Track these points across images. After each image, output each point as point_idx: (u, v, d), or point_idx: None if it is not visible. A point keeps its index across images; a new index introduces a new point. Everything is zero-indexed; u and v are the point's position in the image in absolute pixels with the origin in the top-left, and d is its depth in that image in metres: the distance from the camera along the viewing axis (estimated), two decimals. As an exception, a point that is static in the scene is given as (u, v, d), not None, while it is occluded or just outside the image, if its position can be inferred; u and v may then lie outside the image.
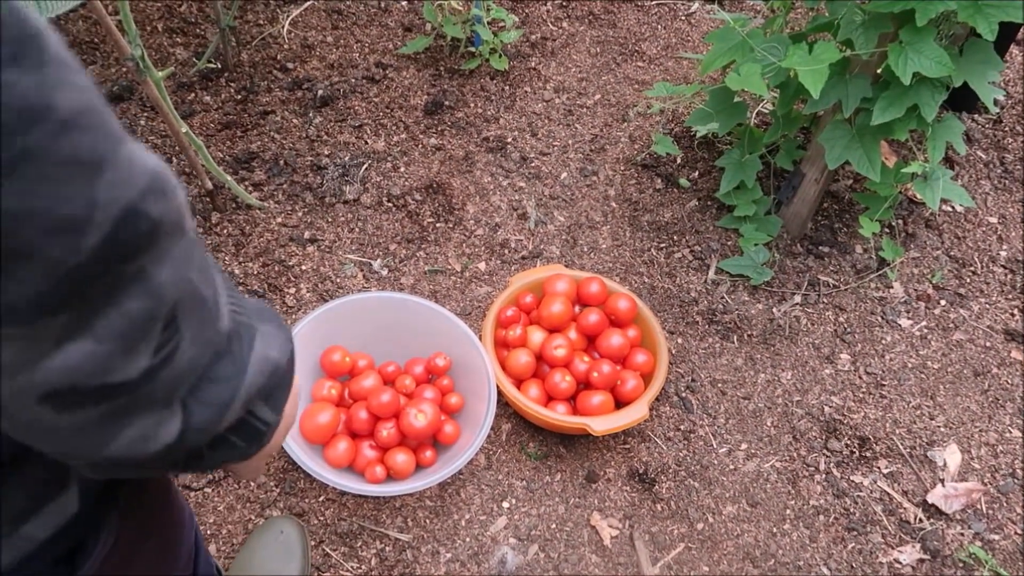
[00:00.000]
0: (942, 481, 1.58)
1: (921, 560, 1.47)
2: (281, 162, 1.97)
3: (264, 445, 0.57)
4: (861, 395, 1.70)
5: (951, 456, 1.62)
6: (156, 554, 0.73)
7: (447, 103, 2.17)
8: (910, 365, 1.76)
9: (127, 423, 0.43)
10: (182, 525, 0.78)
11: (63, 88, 0.35)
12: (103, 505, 0.59)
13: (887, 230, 1.99)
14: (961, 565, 1.47)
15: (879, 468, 1.59)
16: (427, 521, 1.46)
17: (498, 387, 1.48)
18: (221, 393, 0.48)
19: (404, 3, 2.48)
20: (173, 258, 0.41)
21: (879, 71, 1.62)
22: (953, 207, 2.08)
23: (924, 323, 1.84)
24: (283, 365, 0.55)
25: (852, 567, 1.46)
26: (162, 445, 0.46)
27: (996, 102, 2.33)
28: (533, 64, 2.35)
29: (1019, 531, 1.52)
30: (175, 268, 0.41)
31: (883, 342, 1.79)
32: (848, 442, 1.62)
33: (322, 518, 1.44)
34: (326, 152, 2.01)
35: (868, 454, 1.61)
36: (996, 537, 1.51)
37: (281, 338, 0.55)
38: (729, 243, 1.93)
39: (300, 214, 1.88)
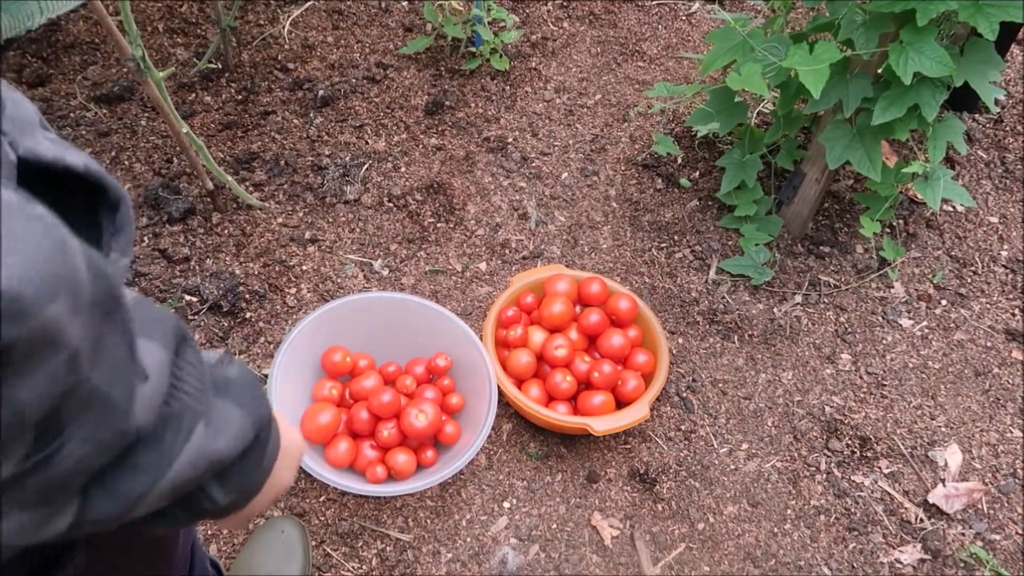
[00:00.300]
0: (943, 481, 1.58)
1: (922, 560, 1.47)
2: (282, 162, 1.97)
3: (221, 517, 0.55)
4: (862, 395, 1.70)
5: (952, 456, 1.62)
6: (144, 559, 0.72)
7: (448, 103, 2.17)
8: (911, 365, 1.76)
9: (2, 517, 0.40)
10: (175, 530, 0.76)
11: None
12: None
13: (888, 230, 1.99)
14: (962, 565, 1.47)
15: (880, 468, 1.59)
16: (428, 521, 1.46)
17: (499, 387, 1.48)
18: (133, 485, 0.44)
19: (405, 3, 2.48)
20: (38, 375, 0.37)
21: (880, 71, 1.62)
22: (954, 207, 2.08)
23: (925, 323, 1.84)
24: (231, 455, 0.50)
25: (853, 567, 1.46)
26: (56, 532, 0.43)
27: (997, 102, 2.33)
28: (534, 64, 2.35)
29: (1020, 531, 1.52)
30: (41, 384, 0.37)
31: (884, 342, 1.79)
32: (849, 442, 1.62)
33: (323, 518, 1.44)
34: (327, 152, 2.02)
35: (869, 454, 1.61)
36: (997, 537, 1.51)
37: (238, 424, 0.51)
38: (730, 243, 1.93)
39: (301, 214, 1.88)
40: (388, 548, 1.42)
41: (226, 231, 1.82)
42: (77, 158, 0.48)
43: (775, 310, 1.82)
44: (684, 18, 2.58)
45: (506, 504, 1.49)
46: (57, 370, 0.37)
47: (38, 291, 0.34)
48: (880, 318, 1.83)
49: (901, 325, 1.83)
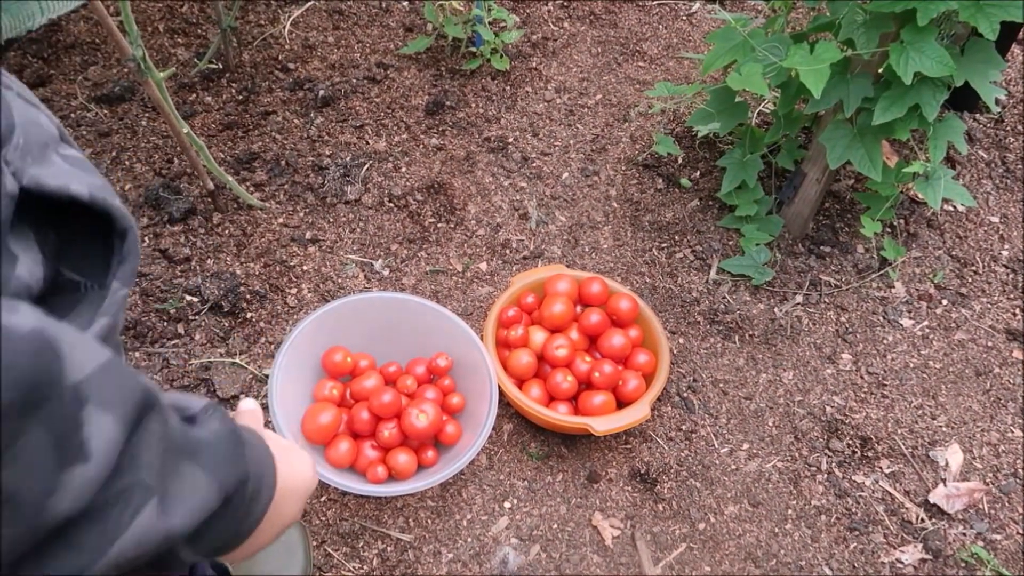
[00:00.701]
0: (944, 481, 1.58)
1: (923, 560, 1.47)
2: (282, 162, 1.97)
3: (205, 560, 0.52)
4: (863, 395, 1.70)
5: (953, 456, 1.62)
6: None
7: (448, 103, 2.17)
8: (912, 365, 1.76)
9: None
10: None
11: None
12: None
13: (888, 230, 1.99)
14: (963, 565, 1.46)
15: (881, 468, 1.59)
16: (429, 521, 1.46)
17: (500, 387, 1.48)
18: (70, 564, 0.43)
19: (405, 3, 2.48)
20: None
21: (880, 71, 1.62)
22: (955, 207, 2.08)
23: (926, 323, 1.84)
24: (188, 527, 0.48)
25: (854, 567, 1.46)
26: None
27: (997, 101, 2.33)
28: (534, 64, 2.35)
29: (1021, 531, 1.52)
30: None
31: (885, 342, 1.79)
32: (850, 442, 1.62)
33: (324, 518, 1.44)
34: (327, 152, 2.02)
35: (870, 454, 1.61)
36: (998, 537, 1.51)
37: (202, 494, 0.49)
38: (730, 243, 1.92)
39: (301, 214, 1.88)
40: (389, 548, 1.42)
41: (227, 231, 1.82)
42: (83, 186, 0.48)
43: (776, 310, 1.82)
44: (685, 18, 2.58)
45: (507, 504, 1.49)
46: None
47: None
48: (881, 318, 1.83)
49: (902, 325, 1.83)
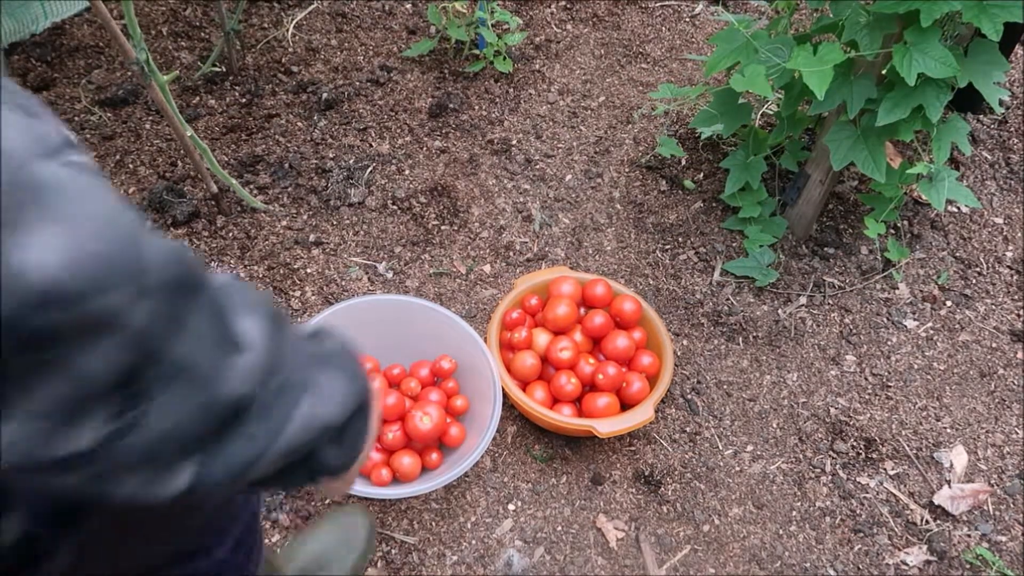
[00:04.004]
0: (948, 482, 1.58)
1: (928, 561, 1.47)
2: (286, 165, 1.97)
3: (335, 478, 0.60)
4: (867, 396, 1.70)
5: (957, 457, 1.61)
6: (158, 537, 0.72)
7: (451, 106, 2.17)
8: (916, 366, 1.76)
9: (117, 481, 0.44)
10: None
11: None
12: (59, 527, 0.58)
13: (892, 231, 1.99)
14: (968, 566, 1.46)
15: (885, 469, 1.59)
16: (433, 523, 1.46)
17: (503, 389, 1.48)
18: (244, 452, 0.49)
19: (408, 6, 2.49)
20: (97, 352, 0.40)
21: (884, 72, 1.61)
22: (959, 208, 2.07)
23: (930, 324, 1.83)
24: (338, 420, 0.55)
25: (859, 568, 1.46)
26: (175, 492, 0.47)
27: (1001, 102, 2.33)
28: (537, 66, 2.35)
29: (1026, 532, 1.52)
30: (101, 359, 0.40)
31: (889, 343, 1.79)
32: (854, 443, 1.62)
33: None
34: (331, 155, 2.02)
35: (874, 455, 1.61)
36: (1003, 538, 1.51)
37: (341, 391, 0.55)
38: (734, 245, 1.92)
39: (305, 217, 1.88)
40: (393, 550, 1.42)
41: (230, 234, 1.82)
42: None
43: (780, 311, 1.82)
44: (688, 20, 2.58)
45: (511, 506, 1.49)
46: (119, 347, 0.40)
47: (88, 282, 0.38)
48: (885, 319, 1.83)
49: (906, 326, 1.82)
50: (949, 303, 1.88)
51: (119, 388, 0.41)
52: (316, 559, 1.30)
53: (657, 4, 2.61)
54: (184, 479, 0.47)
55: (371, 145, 2.06)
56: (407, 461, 1.43)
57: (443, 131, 2.13)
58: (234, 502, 0.82)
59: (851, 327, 1.81)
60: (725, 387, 1.70)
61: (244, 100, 2.12)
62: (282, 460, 0.51)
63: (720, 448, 1.60)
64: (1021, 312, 1.87)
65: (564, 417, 1.50)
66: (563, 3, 2.57)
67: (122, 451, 0.43)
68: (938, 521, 1.52)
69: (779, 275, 1.87)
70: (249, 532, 0.87)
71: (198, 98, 2.11)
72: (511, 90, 2.26)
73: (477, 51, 2.29)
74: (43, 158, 0.39)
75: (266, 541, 1.38)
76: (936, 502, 1.54)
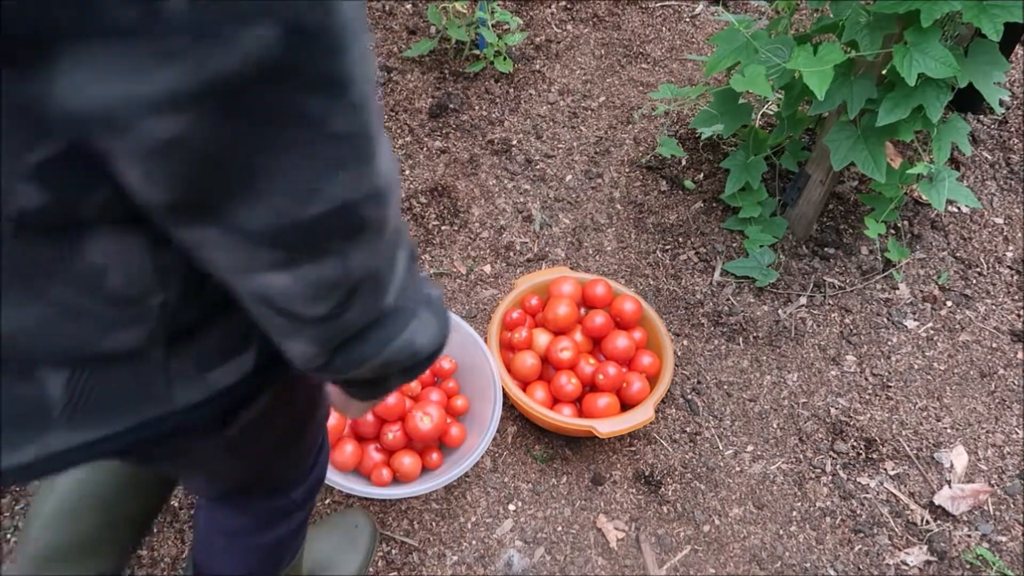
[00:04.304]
0: (949, 483, 1.58)
1: (928, 562, 1.47)
2: (286, 165, 1.97)
3: (377, 401, 0.72)
4: (867, 396, 1.70)
5: (958, 457, 1.61)
6: (286, 432, 0.83)
7: (452, 106, 2.18)
8: (916, 366, 1.76)
9: (293, 340, 0.55)
10: (315, 420, 0.88)
11: (366, 64, 0.43)
12: (266, 376, 0.67)
13: (893, 231, 1.99)
14: (968, 567, 1.46)
15: (886, 470, 1.59)
16: (433, 524, 1.46)
17: (504, 389, 1.48)
18: (363, 352, 0.58)
19: (408, 6, 2.49)
20: (369, 251, 0.51)
21: (884, 72, 1.61)
22: (959, 208, 2.08)
23: (930, 324, 1.84)
24: (424, 353, 0.63)
25: (859, 569, 1.46)
26: (313, 365, 0.58)
27: (1001, 103, 2.33)
28: (538, 67, 2.35)
29: (1027, 533, 1.52)
30: (368, 259, 0.51)
31: (889, 343, 1.79)
32: (854, 444, 1.62)
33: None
34: (331, 155, 2.02)
35: (875, 456, 1.61)
36: (1003, 539, 1.51)
37: (433, 331, 0.63)
38: (734, 245, 1.92)
39: (305, 217, 1.88)
40: (394, 551, 1.42)
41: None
42: None
43: (780, 312, 1.82)
44: (688, 20, 2.58)
45: (511, 507, 1.49)
46: (378, 249, 0.51)
47: (396, 184, 0.51)
48: (885, 319, 1.83)
49: (906, 326, 1.82)
50: (949, 303, 1.88)
51: (350, 288, 0.52)
52: (319, 561, 1.31)
53: (657, 4, 2.61)
54: (322, 359, 0.57)
55: (371, 145, 2.06)
56: (407, 461, 1.43)
57: (443, 131, 2.13)
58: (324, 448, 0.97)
59: (851, 327, 1.81)
60: (725, 387, 1.70)
61: (244, 100, 2.12)
62: (376, 370, 0.61)
63: (720, 448, 1.60)
64: (1021, 312, 1.87)
65: (564, 417, 1.50)
66: (563, 3, 2.57)
67: (320, 329, 0.54)
68: (938, 521, 1.52)
69: (779, 275, 1.87)
70: (312, 496, 1.00)
71: (198, 98, 2.11)
72: (511, 90, 2.26)
73: (477, 51, 2.29)
74: None
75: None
76: (936, 502, 1.54)
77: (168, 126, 0.39)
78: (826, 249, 1.94)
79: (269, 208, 0.44)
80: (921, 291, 1.89)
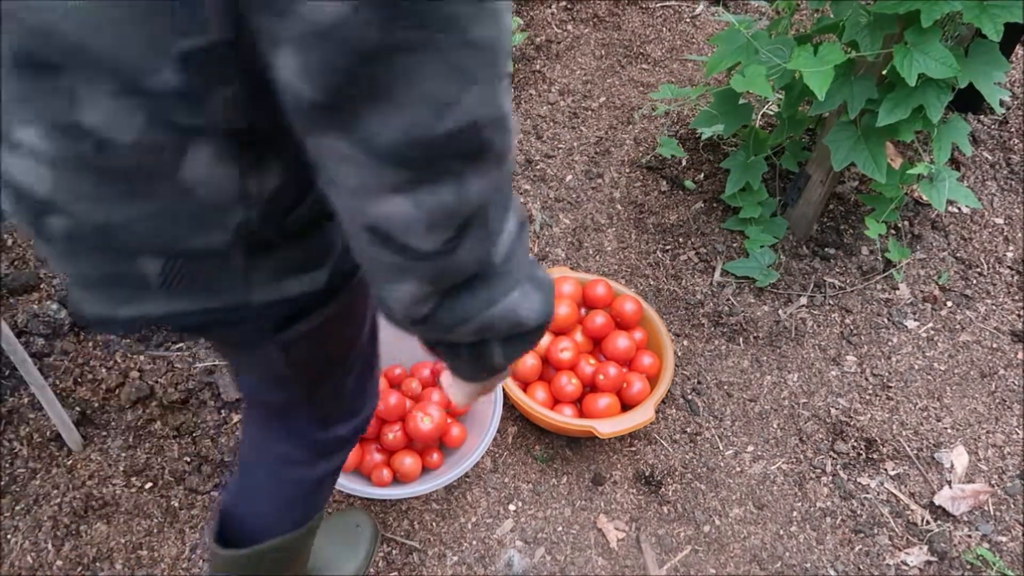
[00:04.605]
0: (949, 483, 1.58)
1: (928, 562, 1.47)
2: (287, 166, 1.97)
3: (482, 379, 0.71)
4: (868, 397, 1.70)
5: (958, 458, 1.61)
6: (334, 353, 0.88)
7: (452, 106, 2.17)
8: (917, 367, 1.76)
9: (401, 280, 0.57)
10: (361, 349, 0.92)
11: (507, 15, 0.48)
12: (332, 294, 0.74)
13: (893, 231, 1.99)
14: (968, 567, 1.46)
15: (886, 470, 1.59)
16: (433, 524, 1.46)
17: (504, 390, 1.49)
18: (466, 308, 0.59)
19: (409, 6, 2.49)
20: (486, 179, 0.52)
21: (884, 72, 1.61)
22: (959, 208, 2.08)
23: (930, 324, 1.83)
24: (527, 325, 0.63)
25: (859, 569, 1.46)
26: (417, 313, 0.59)
27: (1002, 103, 2.33)
28: (538, 67, 2.35)
29: (1027, 533, 1.52)
30: (484, 188, 0.52)
31: (889, 344, 1.79)
32: (855, 444, 1.62)
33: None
34: (331, 155, 2.02)
35: (875, 456, 1.61)
36: (1003, 539, 1.51)
37: (538, 305, 0.64)
38: (735, 245, 1.92)
39: (306, 217, 1.88)
40: (394, 551, 1.42)
41: (231, 234, 1.82)
42: None
43: (780, 312, 1.82)
44: (688, 20, 2.58)
45: (511, 507, 1.49)
46: (493, 182, 0.54)
47: (513, 128, 0.55)
48: (885, 320, 1.83)
49: (907, 327, 1.82)
50: (950, 303, 1.88)
51: (463, 221, 0.54)
52: (320, 561, 1.31)
53: (658, 4, 2.61)
54: (426, 308, 0.58)
55: (372, 146, 2.06)
56: (408, 461, 1.43)
57: (444, 131, 2.12)
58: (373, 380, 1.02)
59: (852, 327, 1.81)
60: (726, 387, 1.70)
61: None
62: (475, 333, 0.62)
63: (721, 448, 1.60)
64: (1022, 312, 1.87)
65: (565, 418, 1.50)
66: (563, 3, 2.57)
67: (430, 267, 0.55)
68: (939, 521, 1.52)
69: (780, 275, 1.87)
70: (353, 440, 1.04)
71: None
72: (511, 90, 2.26)
73: (478, 52, 2.29)
74: None
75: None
76: (937, 502, 1.54)
77: (329, 10, 0.42)
78: (826, 249, 1.94)
79: (403, 120, 0.47)
80: (921, 291, 1.89)
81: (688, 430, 1.62)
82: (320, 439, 0.99)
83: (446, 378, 0.79)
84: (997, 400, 1.71)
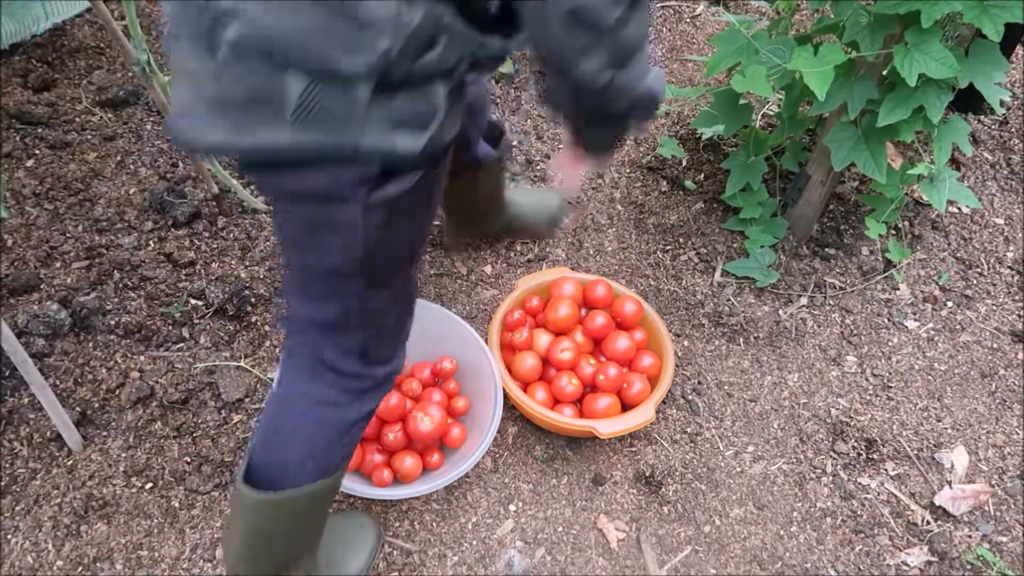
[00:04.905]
0: (949, 483, 1.58)
1: (929, 562, 1.47)
2: (287, 166, 1.97)
3: (610, 151, 1.01)
4: (868, 397, 1.70)
5: (958, 458, 1.61)
6: (404, 239, 0.98)
7: (452, 106, 2.17)
8: (917, 367, 1.76)
9: (594, 53, 0.78)
10: (421, 248, 1.04)
11: None
12: (421, 162, 0.84)
13: (893, 232, 1.99)
14: (969, 567, 1.46)
15: (886, 470, 1.59)
16: (434, 524, 1.46)
17: (504, 390, 1.48)
18: (632, 76, 0.82)
19: (409, 7, 2.48)
20: None
21: (884, 73, 1.61)
22: (959, 208, 2.08)
23: (931, 325, 1.83)
24: (658, 99, 0.88)
25: (860, 569, 1.46)
26: (602, 80, 0.81)
27: (1002, 103, 2.33)
28: (538, 67, 2.35)
29: (1027, 533, 1.52)
30: None
31: (890, 344, 1.79)
32: (855, 444, 1.62)
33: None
34: (332, 156, 2.02)
35: (875, 456, 1.61)
36: (1004, 539, 1.51)
37: (663, 85, 0.89)
38: (735, 245, 1.92)
39: (306, 218, 1.88)
40: (394, 551, 1.42)
41: (231, 235, 1.82)
42: None
43: (780, 312, 1.82)
44: (688, 20, 2.58)
45: (512, 507, 1.49)
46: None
47: None
48: (886, 320, 1.83)
49: (907, 327, 1.82)
50: (950, 304, 1.88)
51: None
52: (323, 562, 1.31)
53: (658, 4, 2.61)
54: (607, 76, 0.80)
55: (372, 146, 2.06)
56: (408, 462, 1.43)
57: (444, 132, 2.12)
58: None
59: (852, 328, 1.81)
60: (726, 388, 1.70)
61: (245, 101, 2.12)
62: (633, 99, 0.85)
63: (721, 449, 1.60)
64: (1022, 313, 1.87)
65: (565, 418, 1.50)
66: (564, 4, 2.57)
67: (609, 40, 0.77)
68: (939, 522, 1.52)
69: (780, 276, 1.87)
70: (387, 385, 1.12)
71: (199, 99, 2.10)
72: (512, 90, 2.26)
73: (478, 52, 2.29)
74: None
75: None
76: (937, 503, 1.54)
77: None
78: (827, 249, 1.94)
79: None
80: (922, 291, 1.89)
81: (688, 430, 1.62)
82: (359, 374, 1.05)
83: (562, 161, 1.06)
84: (997, 400, 1.71)
